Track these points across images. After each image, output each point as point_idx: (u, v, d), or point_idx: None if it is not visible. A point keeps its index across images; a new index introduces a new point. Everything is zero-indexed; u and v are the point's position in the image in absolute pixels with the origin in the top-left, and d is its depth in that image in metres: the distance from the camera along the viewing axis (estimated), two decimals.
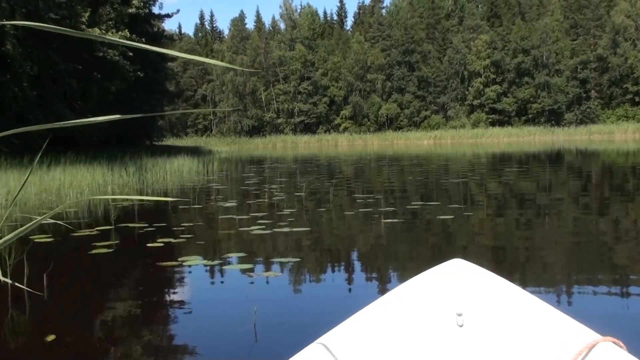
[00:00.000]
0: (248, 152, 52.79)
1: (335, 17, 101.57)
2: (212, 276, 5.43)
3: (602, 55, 74.80)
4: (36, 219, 1.38)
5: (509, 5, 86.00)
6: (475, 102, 77.92)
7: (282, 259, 5.98)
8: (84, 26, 23.98)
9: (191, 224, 8.62)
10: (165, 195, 13.53)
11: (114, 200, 12.54)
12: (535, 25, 78.06)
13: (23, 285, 4.91)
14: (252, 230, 7.77)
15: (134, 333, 3.91)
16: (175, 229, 8.11)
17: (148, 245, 6.91)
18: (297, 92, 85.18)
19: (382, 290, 4.48)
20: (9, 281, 4.84)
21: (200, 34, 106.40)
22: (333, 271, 5.54)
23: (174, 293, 4.90)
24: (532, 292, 2.59)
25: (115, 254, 6.49)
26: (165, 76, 46.93)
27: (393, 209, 9.70)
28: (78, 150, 22.21)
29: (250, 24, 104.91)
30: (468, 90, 78.97)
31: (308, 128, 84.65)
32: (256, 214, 9.51)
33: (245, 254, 6.32)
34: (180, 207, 11.01)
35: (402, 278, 4.45)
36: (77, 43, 24.29)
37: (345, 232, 7.89)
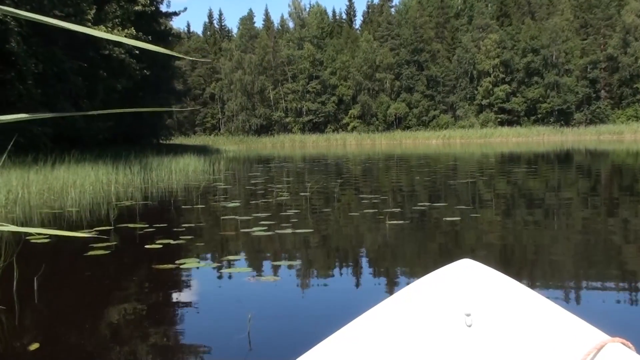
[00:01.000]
0: (256, 151, 52.65)
1: (344, 16, 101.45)
2: (209, 280, 5.24)
3: (613, 55, 74.32)
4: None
5: (519, 5, 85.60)
6: (484, 102, 77.58)
7: (283, 262, 5.79)
8: (89, 24, 23.85)
9: (192, 225, 8.44)
10: (170, 194, 13.35)
11: (117, 198, 12.41)
12: (545, 24, 77.64)
13: (12, 289, 4.76)
14: (253, 231, 7.58)
15: (121, 341, 3.72)
16: (175, 229, 7.92)
17: (146, 247, 6.73)
18: (305, 91, 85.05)
19: (386, 297, 4.28)
20: None
21: (208, 32, 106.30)
22: (335, 275, 5.34)
23: (168, 298, 4.71)
24: (540, 293, 2.55)
25: (111, 256, 6.31)
26: (173, 75, 46.76)
27: (399, 209, 9.49)
28: (84, 149, 22.11)
29: (259, 23, 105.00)
30: (477, 90, 78.63)
31: (316, 127, 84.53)
32: (259, 214, 9.33)
33: (244, 257, 6.15)
34: (182, 206, 10.85)
35: (407, 284, 4.25)
36: (82, 41, 24.15)
37: (349, 233, 7.69)
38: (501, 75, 77.53)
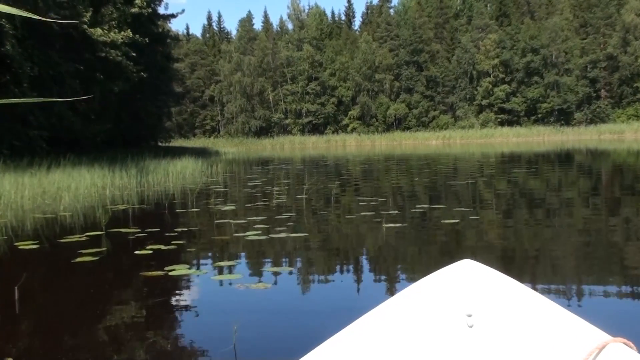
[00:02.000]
0: (256, 153, 52.47)
1: (343, 17, 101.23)
2: (197, 288, 5.05)
3: (612, 54, 74.19)
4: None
5: (518, 4, 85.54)
6: (484, 102, 77.46)
7: (275, 269, 5.60)
8: (85, 26, 23.66)
9: (185, 229, 8.25)
10: (166, 197, 13.15)
11: (112, 202, 12.22)
12: (545, 24, 77.51)
13: None
14: (247, 236, 7.39)
15: (101, 355, 3.52)
16: (167, 234, 7.73)
17: (136, 252, 6.54)
18: (304, 93, 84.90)
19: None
20: None
21: (208, 34, 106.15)
22: (328, 282, 5.15)
23: (153, 308, 4.51)
24: (541, 293, 2.54)
25: (99, 263, 6.12)
26: (171, 77, 46.59)
27: (397, 212, 9.31)
28: (81, 152, 21.93)
29: (257, 25, 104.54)
30: (477, 90, 78.51)
31: (316, 129, 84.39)
32: (254, 218, 9.14)
33: (236, 263, 5.96)
34: (177, 210, 10.66)
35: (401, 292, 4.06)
36: (79, 43, 24.00)
37: (345, 237, 7.51)
38: (501, 75, 77.43)
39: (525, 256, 6.00)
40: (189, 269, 5.65)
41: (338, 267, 5.77)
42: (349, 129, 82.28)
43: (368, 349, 2.29)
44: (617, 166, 20.24)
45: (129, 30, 27.15)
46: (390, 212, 9.28)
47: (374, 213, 9.17)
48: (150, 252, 6.54)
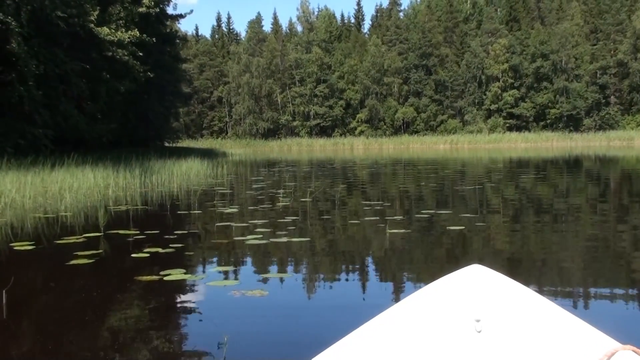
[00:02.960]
0: (263, 155, 52.31)
1: (352, 20, 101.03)
2: (191, 294, 4.88)
3: (623, 61, 73.73)
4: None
5: (528, 10, 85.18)
6: (493, 107, 77.08)
7: (273, 275, 5.43)
8: (92, 25, 23.56)
9: (185, 232, 8.10)
10: (169, 198, 13.00)
11: (115, 202, 12.08)
12: (555, 29, 77.11)
13: None
14: (247, 240, 7.22)
15: None
16: (166, 237, 7.56)
17: (133, 255, 6.39)
18: (313, 95, 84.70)
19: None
20: None
21: (217, 35, 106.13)
22: (326, 291, 4.97)
23: (143, 315, 4.34)
24: (549, 300, 2.53)
25: (94, 266, 5.96)
26: (179, 77, 46.46)
27: (401, 217, 9.14)
28: (86, 152, 21.81)
29: (267, 27, 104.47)
30: (485, 95, 78.14)
31: (324, 131, 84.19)
32: (256, 221, 8.97)
33: (234, 268, 5.80)
34: (178, 212, 10.51)
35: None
36: (85, 42, 23.89)
37: (347, 243, 7.34)
38: (510, 80, 77.07)
39: (532, 263, 5.88)
40: (185, 273, 5.48)
41: (339, 275, 5.59)
42: (356, 132, 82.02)
43: (376, 352, 2.29)
44: (626, 173, 20.06)
45: (136, 29, 27.03)
46: (395, 217, 9.10)
47: (377, 218, 8.99)
48: (147, 255, 6.38)
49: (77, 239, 7.51)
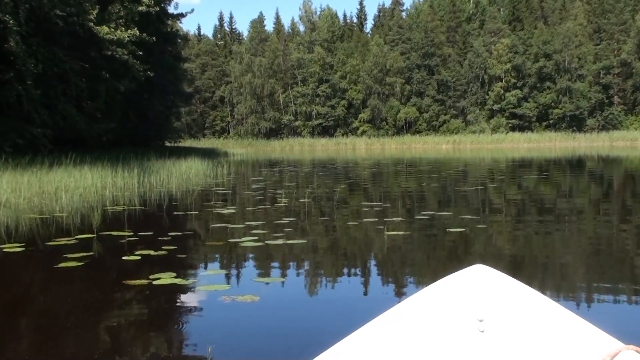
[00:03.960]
0: (265, 155, 52.14)
1: (354, 20, 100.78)
2: (179, 300, 4.71)
3: (626, 60, 73.43)
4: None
5: (531, 9, 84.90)
6: (496, 107, 76.85)
7: (266, 279, 5.27)
8: (91, 24, 23.37)
9: (179, 233, 7.92)
10: (166, 199, 12.83)
11: (112, 202, 11.91)
12: (558, 29, 76.85)
13: None
14: (242, 242, 7.04)
15: None
16: (160, 238, 7.38)
17: (124, 258, 6.22)
18: (315, 95, 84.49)
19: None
20: None
21: (219, 35, 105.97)
22: (320, 297, 4.80)
23: (130, 321, 4.16)
24: (552, 300, 2.52)
25: (83, 269, 5.79)
26: (180, 77, 46.23)
27: (402, 219, 8.95)
28: (85, 151, 21.64)
29: (269, 26, 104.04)
30: (488, 95, 77.90)
31: (326, 131, 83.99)
32: (252, 222, 8.80)
33: (226, 272, 5.63)
34: (175, 213, 10.33)
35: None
36: (85, 41, 23.70)
37: (344, 246, 7.17)
38: (513, 80, 76.81)
39: (535, 263, 5.79)
40: (175, 277, 5.30)
41: (334, 280, 5.42)
42: (359, 132, 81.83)
43: (379, 351, 2.28)
44: (629, 173, 19.91)
45: (135, 28, 26.84)
46: (395, 218, 8.92)
47: (377, 219, 8.81)
48: (139, 257, 6.21)
49: (69, 240, 7.35)
